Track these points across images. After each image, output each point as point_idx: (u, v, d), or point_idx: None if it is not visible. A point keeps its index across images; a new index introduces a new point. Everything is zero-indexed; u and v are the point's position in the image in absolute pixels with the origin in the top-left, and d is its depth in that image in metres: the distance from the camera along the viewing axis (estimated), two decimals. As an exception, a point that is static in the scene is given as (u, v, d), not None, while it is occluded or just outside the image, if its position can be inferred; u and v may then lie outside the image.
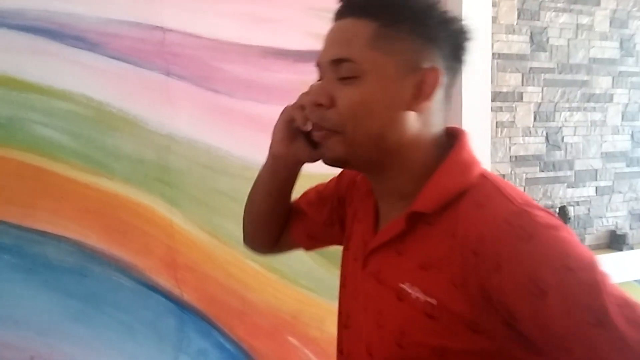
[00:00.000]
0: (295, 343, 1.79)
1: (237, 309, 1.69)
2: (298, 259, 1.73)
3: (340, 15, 0.83)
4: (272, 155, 0.98)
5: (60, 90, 1.51)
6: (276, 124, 0.96)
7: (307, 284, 1.77)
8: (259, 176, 1.04)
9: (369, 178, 0.91)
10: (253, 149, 1.68)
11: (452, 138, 0.86)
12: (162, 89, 1.61)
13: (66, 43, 1.51)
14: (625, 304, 0.65)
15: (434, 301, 0.74)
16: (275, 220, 1.08)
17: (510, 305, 0.69)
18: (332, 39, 0.82)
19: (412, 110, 0.80)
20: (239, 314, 1.69)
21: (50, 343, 1.51)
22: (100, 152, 1.55)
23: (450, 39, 0.82)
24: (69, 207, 1.52)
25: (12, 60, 1.46)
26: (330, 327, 1.74)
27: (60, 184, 1.51)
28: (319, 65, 0.84)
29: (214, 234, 1.66)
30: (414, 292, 0.77)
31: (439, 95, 0.82)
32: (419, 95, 0.79)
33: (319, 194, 1.10)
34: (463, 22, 0.83)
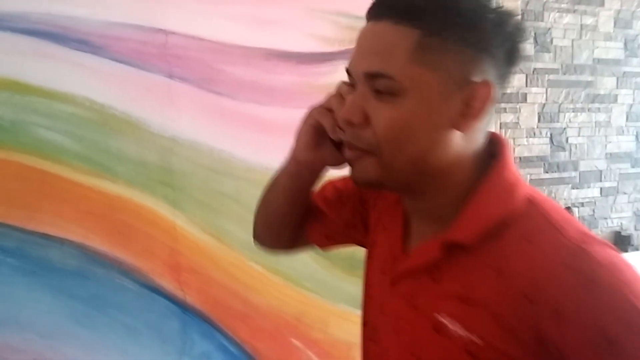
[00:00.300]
0: (298, 345, 1.78)
1: (240, 311, 1.69)
2: (301, 261, 1.72)
3: (376, 16, 0.71)
4: (296, 161, 0.89)
5: (63, 93, 1.51)
6: (300, 127, 0.87)
7: (310, 286, 1.77)
8: (278, 178, 0.96)
9: (401, 196, 0.83)
10: (256, 151, 1.68)
11: (493, 146, 0.77)
12: (164, 92, 1.61)
13: (69, 46, 1.51)
14: None
15: (479, 341, 0.67)
16: (293, 221, 1.01)
17: (571, 354, 0.63)
18: (368, 46, 0.71)
19: (458, 129, 0.70)
20: (242, 316, 1.68)
21: (53, 345, 1.51)
22: (103, 155, 1.55)
23: (506, 43, 0.70)
24: (72, 210, 1.52)
25: (15, 64, 1.46)
26: (334, 329, 1.75)
27: (63, 187, 1.51)
28: (349, 72, 0.74)
29: (217, 236, 1.66)
30: (453, 327, 0.70)
31: (489, 110, 0.72)
32: (467, 113, 0.69)
33: (338, 192, 1.01)
34: (518, 18, 0.71)
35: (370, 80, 0.69)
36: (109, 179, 1.55)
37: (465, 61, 0.68)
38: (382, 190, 0.90)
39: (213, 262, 1.67)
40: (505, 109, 2.45)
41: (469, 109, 0.69)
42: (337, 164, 0.87)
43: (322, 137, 0.84)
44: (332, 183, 1.03)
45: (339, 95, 0.79)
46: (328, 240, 1.05)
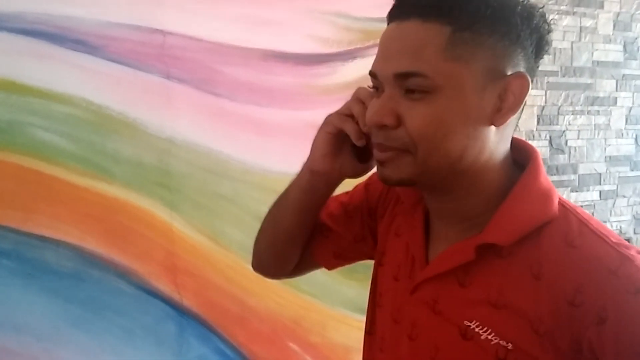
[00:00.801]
0: (295, 349, 1.77)
1: (237, 314, 1.68)
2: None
3: (402, 15, 0.68)
4: (312, 172, 0.84)
5: (60, 93, 1.50)
6: (317, 136, 0.83)
7: (308, 290, 1.76)
8: (288, 195, 0.90)
9: (427, 195, 0.79)
10: (254, 153, 1.67)
11: (520, 154, 0.76)
12: (162, 92, 1.60)
13: (66, 46, 1.51)
14: None
15: (509, 345, 0.66)
16: (301, 241, 0.95)
17: None
18: (396, 48, 0.69)
19: (494, 124, 0.69)
20: (239, 319, 1.67)
21: (50, 348, 1.50)
22: (100, 156, 1.54)
23: (534, 35, 0.69)
24: (69, 212, 1.51)
25: (12, 64, 1.46)
26: (332, 333, 1.74)
27: (59, 188, 1.50)
28: (375, 75, 0.72)
29: (215, 238, 1.65)
30: (484, 333, 0.68)
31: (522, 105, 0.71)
32: (502, 107, 0.68)
33: (344, 206, 0.97)
34: (542, 12, 0.71)
35: (401, 80, 0.68)
36: (105, 181, 1.54)
37: (497, 54, 0.67)
38: (403, 193, 0.87)
39: (210, 264, 1.66)
40: (504, 111, 2.44)
41: (504, 103, 0.68)
42: (356, 174, 0.85)
43: (341, 145, 0.82)
44: (335, 199, 0.98)
45: (359, 100, 0.77)
46: (336, 258, 0.99)
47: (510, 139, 0.74)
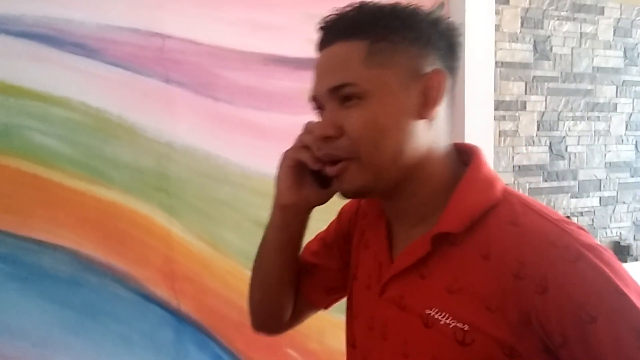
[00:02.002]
0: (294, 355, 1.76)
1: (235, 321, 1.66)
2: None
3: (326, 42, 0.80)
4: (281, 207, 0.91)
5: (59, 97, 1.49)
6: (279, 171, 0.90)
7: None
8: (266, 236, 0.96)
9: (385, 203, 0.86)
10: (253, 157, 1.66)
11: (464, 154, 0.84)
12: (161, 96, 1.59)
13: (65, 49, 1.50)
14: None
15: (465, 327, 0.71)
16: (289, 282, 0.99)
17: (554, 329, 0.67)
18: (325, 67, 0.79)
19: (423, 118, 0.77)
20: (237, 325, 1.66)
21: (46, 354, 1.49)
22: (98, 160, 1.53)
23: (443, 38, 0.80)
24: (66, 216, 1.50)
25: (10, 67, 1.45)
26: (330, 339, 1.72)
27: (57, 193, 1.49)
28: (314, 99, 0.81)
29: (213, 244, 1.64)
30: (443, 318, 0.73)
31: (445, 98, 0.79)
32: (426, 102, 0.77)
33: (322, 241, 1.04)
34: (449, 20, 0.82)
35: (335, 93, 0.77)
36: (103, 185, 1.53)
37: (412, 56, 0.77)
38: (368, 207, 0.95)
39: (208, 270, 1.64)
40: (504, 117, 2.44)
41: (427, 98, 0.77)
42: (321, 200, 0.90)
43: (302, 175, 0.88)
44: (314, 238, 1.05)
45: (309, 130, 0.84)
46: (327, 294, 1.03)
47: (448, 136, 0.82)
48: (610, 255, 0.69)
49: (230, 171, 1.65)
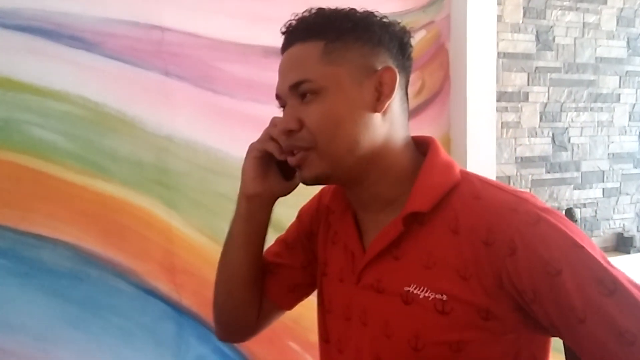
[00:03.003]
0: (296, 348, 1.76)
1: (237, 314, 1.66)
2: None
3: (287, 45, 0.86)
4: (247, 197, 0.95)
5: (57, 91, 1.49)
6: (245, 163, 0.96)
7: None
8: (231, 230, 0.99)
9: (349, 192, 0.91)
10: (253, 151, 1.65)
11: (421, 145, 0.90)
12: (160, 90, 1.59)
13: (63, 43, 1.50)
14: (629, 277, 0.73)
15: (443, 297, 0.77)
16: (254, 280, 1.00)
17: (525, 287, 0.73)
18: (286, 67, 0.86)
19: (377, 111, 0.83)
20: (239, 318, 1.66)
21: (47, 348, 1.49)
22: (97, 154, 1.52)
23: (395, 39, 0.86)
24: (66, 210, 1.50)
25: (8, 61, 1.45)
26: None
27: (56, 187, 1.49)
28: (278, 97, 0.88)
29: (214, 237, 1.64)
30: (422, 292, 0.79)
31: (398, 94, 0.85)
32: (380, 97, 0.83)
33: (284, 242, 1.07)
34: (402, 24, 0.88)
35: (294, 90, 0.83)
36: (103, 179, 1.53)
37: (365, 55, 0.83)
38: (332, 202, 0.98)
39: (209, 263, 1.64)
40: (506, 108, 2.42)
41: (380, 93, 0.83)
42: (285, 191, 0.96)
43: (267, 167, 0.94)
44: (272, 244, 1.08)
45: (274, 124, 0.90)
46: (291, 292, 1.05)
47: (405, 127, 0.88)
48: (563, 216, 0.78)
49: (230, 164, 1.65)
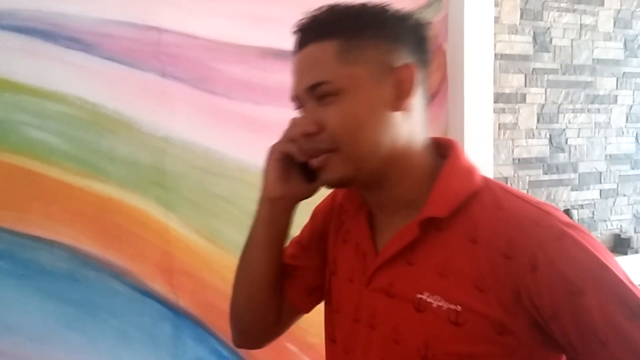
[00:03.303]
0: (293, 350, 1.76)
1: (234, 315, 1.65)
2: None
3: (301, 45, 0.84)
4: (270, 200, 0.92)
5: (54, 92, 1.48)
6: (267, 165, 0.92)
7: (306, 290, 1.73)
8: (252, 233, 0.96)
9: (366, 192, 0.89)
10: (251, 152, 1.65)
11: (441, 148, 0.88)
12: (158, 91, 1.58)
13: (60, 44, 1.49)
14: None
15: (458, 307, 0.75)
16: (276, 286, 0.98)
17: (544, 304, 0.71)
18: (302, 68, 0.83)
19: (398, 110, 0.81)
20: (236, 320, 1.65)
21: (44, 350, 1.48)
22: (94, 155, 1.52)
23: (412, 33, 0.84)
24: (63, 212, 1.49)
25: (5, 62, 1.44)
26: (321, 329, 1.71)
27: (53, 188, 1.48)
28: (295, 98, 0.86)
29: (211, 238, 1.64)
30: (435, 301, 0.76)
31: (419, 90, 0.83)
32: (400, 95, 0.81)
33: (299, 244, 1.05)
34: (416, 16, 0.86)
35: (312, 91, 0.81)
36: (100, 180, 1.52)
37: (382, 52, 0.81)
38: (345, 201, 0.96)
39: (206, 264, 1.64)
40: (504, 109, 2.43)
41: (400, 91, 0.81)
42: (307, 193, 0.93)
43: (289, 169, 0.91)
44: (289, 243, 1.04)
45: (295, 125, 0.87)
46: (309, 295, 1.02)
47: (426, 127, 0.86)
48: (588, 233, 0.75)
49: (227, 165, 1.65)
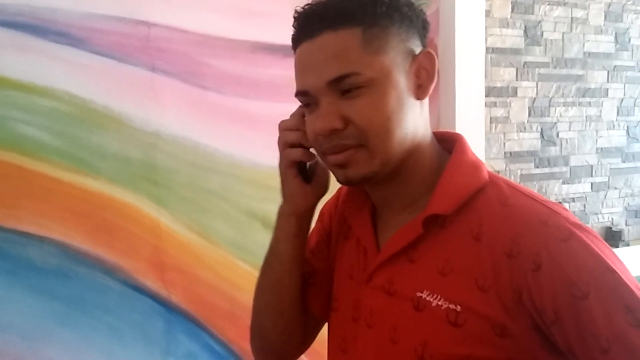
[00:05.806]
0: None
1: (226, 310, 1.65)
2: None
3: (313, 33, 0.76)
4: (298, 215, 0.89)
5: (43, 87, 1.47)
6: (285, 180, 0.88)
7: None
8: (278, 254, 0.91)
9: (373, 190, 0.85)
10: (242, 146, 1.65)
11: (446, 142, 0.85)
12: (147, 86, 1.57)
13: (49, 39, 1.48)
14: None
15: (457, 307, 0.72)
16: (301, 298, 0.94)
17: (546, 306, 0.68)
18: (320, 59, 0.75)
19: (420, 98, 0.79)
20: (228, 315, 1.65)
21: (35, 347, 1.47)
22: (84, 151, 1.51)
23: (420, 17, 0.81)
24: (53, 208, 1.48)
25: (-7, 57, 1.43)
26: (323, 329, 1.71)
27: (43, 184, 1.47)
28: (305, 93, 0.78)
29: (203, 233, 1.63)
30: (435, 300, 0.74)
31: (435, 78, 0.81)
32: (421, 83, 0.79)
33: (309, 248, 0.98)
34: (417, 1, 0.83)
35: (335, 85, 0.74)
36: (90, 176, 1.52)
37: (403, 39, 0.77)
38: (349, 196, 0.93)
39: (198, 260, 1.63)
40: (495, 103, 2.43)
41: (420, 79, 0.78)
42: (321, 194, 0.90)
43: (299, 177, 0.88)
44: None
45: (287, 128, 0.85)
46: (330, 301, 0.96)
47: (428, 119, 0.83)
48: (597, 235, 0.72)
49: (219, 160, 1.64)
